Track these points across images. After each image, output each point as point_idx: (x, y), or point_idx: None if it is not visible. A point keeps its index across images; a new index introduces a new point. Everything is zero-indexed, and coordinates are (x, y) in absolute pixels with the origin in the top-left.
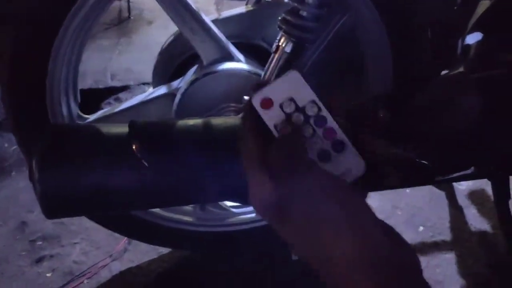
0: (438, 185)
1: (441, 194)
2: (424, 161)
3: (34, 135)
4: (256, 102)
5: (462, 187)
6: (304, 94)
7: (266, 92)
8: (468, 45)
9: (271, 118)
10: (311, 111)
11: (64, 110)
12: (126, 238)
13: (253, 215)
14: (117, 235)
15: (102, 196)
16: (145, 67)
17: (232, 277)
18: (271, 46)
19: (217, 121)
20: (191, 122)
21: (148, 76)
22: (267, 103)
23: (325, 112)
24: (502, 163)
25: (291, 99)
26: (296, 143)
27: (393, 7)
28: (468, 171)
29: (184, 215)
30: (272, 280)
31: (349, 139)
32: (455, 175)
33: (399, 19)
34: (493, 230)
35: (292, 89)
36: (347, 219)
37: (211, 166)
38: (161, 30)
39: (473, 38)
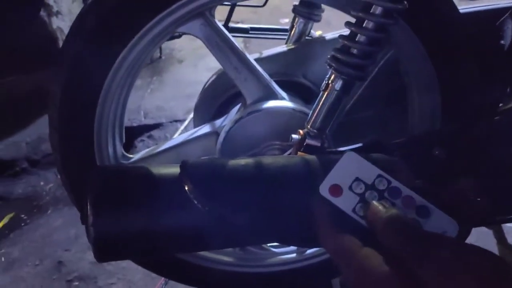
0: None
1: (488, 233)
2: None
3: (82, 176)
4: (325, 192)
5: (510, 224)
6: (368, 171)
7: (330, 180)
8: None
9: (346, 203)
10: (382, 185)
11: (110, 150)
12: (163, 278)
13: (294, 255)
14: (154, 275)
15: (154, 239)
16: (177, 105)
17: None
18: (312, 83)
19: (267, 160)
20: (243, 161)
21: (180, 113)
22: (336, 190)
23: (396, 183)
24: None
25: (358, 179)
26: (404, 218)
27: (438, 40)
28: None
29: (224, 255)
30: None
31: (430, 202)
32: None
33: (446, 52)
34: None
35: (355, 170)
36: None
37: (267, 207)
38: (191, 68)
39: None
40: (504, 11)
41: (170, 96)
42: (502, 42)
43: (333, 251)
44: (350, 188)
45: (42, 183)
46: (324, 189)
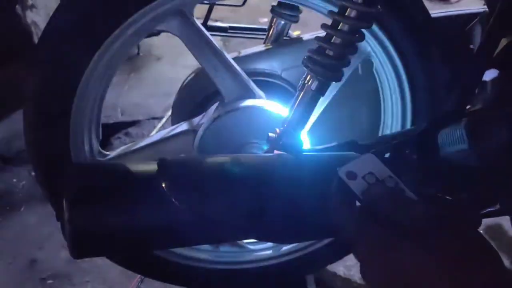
0: None
1: None
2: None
3: (57, 173)
4: (342, 174)
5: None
6: (381, 170)
7: (349, 167)
8: (485, 82)
9: (357, 186)
10: (390, 183)
11: (86, 147)
12: (139, 276)
13: (270, 251)
14: (129, 273)
15: (131, 235)
16: (155, 102)
17: None
18: (289, 83)
19: (245, 158)
20: (220, 159)
21: (158, 110)
22: (351, 176)
23: (401, 185)
24: None
25: (371, 173)
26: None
27: (410, 43)
28: (493, 208)
29: (199, 253)
30: None
31: None
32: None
33: (417, 56)
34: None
35: (371, 166)
36: None
37: (243, 204)
38: (169, 66)
39: (489, 75)
40: (473, 16)
41: (147, 93)
42: (471, 46)
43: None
44: (364, 177)
45: (15, 180)
46: (342, 172)
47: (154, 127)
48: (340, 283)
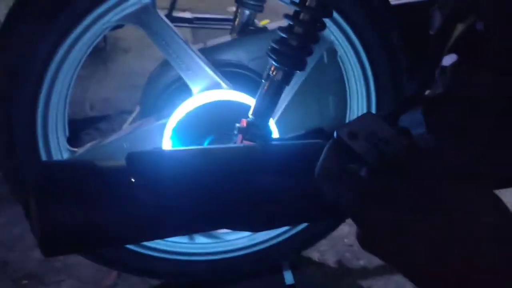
0: None
1: None
2: None
3: (25, 172)
4: (343, 134)
5: None
6: (385, 129)
7: (350, 126)
8: (445, 67)
9: (359, 147)
10: (399, 141)
11: (53, 144)
12: (116, 272)
13: (245, 241)
14: (104, 269)
15: (102, 232)
16: (124, 96)
17: None
18: (255, 73)
19: (214, 150)
20: (190, 151)
21: (127, 105)
22: (353, 136)
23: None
24: None
25: (373, 133)
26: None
27: (371, 31)
28: None
29: (175, 245)
30: None
31: None
32: None
33: (378, 43)
34: None
35: (372, 125)
36: None
37: (213, 196)
38: (137, 58)
39: (448, 60)
40: (432, 3)
41: (116, 87)
42: (431, 32)
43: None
44: (366, 138)
45: None
46: (343, 132)
47: (124, 121)
48: (315, 268)
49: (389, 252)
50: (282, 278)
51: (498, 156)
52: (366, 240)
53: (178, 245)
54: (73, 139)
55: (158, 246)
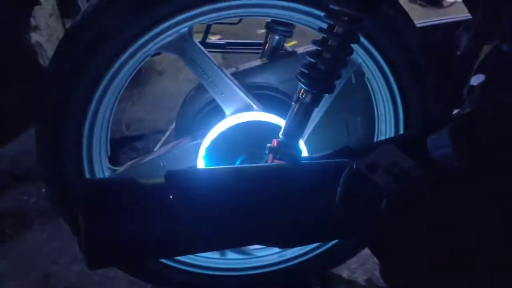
0: None
1: None
2: None
3: (70, 190)
4: (362, 166)
5: None
6: (405, 160)
7: (370, 158)
8: (473, 87)
9: (379, 179)
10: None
11: (96, 164)
12: (149, 285)
13: (275, 257)
14: (140, 283)
15: (142, 246)
16: (158, 116)
17: None
18: (285, 95)
19: (249, 169)
20: (225, 170)
21: (161, 124)
22: (372, 167)
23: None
24: None
25: (395, 164)
26: None
27: (398, 53)
28: None
29: (207, 260)
30: None
31: None
32: None
33: (406, 65)
34: None
35: (392, 156)
36: None
37: (249, 213)
38: (171, 80)
39: (476, 80)
40: (458, 24)
41: (151, 108)
42: (458, 52)
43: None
44: (386, 169)
45: (25, 197)
46: (362, 164)
47: (159, 140)
48: (344, 286)
49: (408, 286)
50: None
51: None
52: (386, 273)
53: (209, 260)
54: (112, 158)
55: (190, 261)
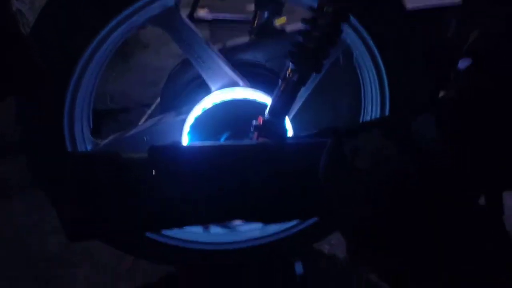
0: None
1: None
2: None
3: (51, 162)
4: (347, 149)
5: None
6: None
7: (355, 141)
8: (459, 70)
9: (362, 163)
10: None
11: (78, 136)
12: (132, 257)
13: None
14: (121, 254)
15: (124, 220)
16: (142, 90)
17: None
18: (272, 73)
19: (233, 146)
20: (207, 146)
21: (145, 98)
22: (356, 151)
23: None
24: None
25: (379, 150)
26: None
27: (388, 37)
28: None
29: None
30: None
31: None
32: None
33: (394, 47)
34: None
35: (376, 142)
36: None
37: (228, 188)
38: (156, 54)
39: (463, 64)
40: (448, 8)
41: (135, 81)
42: (447, 35)
43: None
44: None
45: (9, 169)
46: (347, 148)
47: (143, 114)
48: (325, 261)
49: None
50: (293, 269)
51: (505, 160)
52: (353, 253)
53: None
54: (94, 129)
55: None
